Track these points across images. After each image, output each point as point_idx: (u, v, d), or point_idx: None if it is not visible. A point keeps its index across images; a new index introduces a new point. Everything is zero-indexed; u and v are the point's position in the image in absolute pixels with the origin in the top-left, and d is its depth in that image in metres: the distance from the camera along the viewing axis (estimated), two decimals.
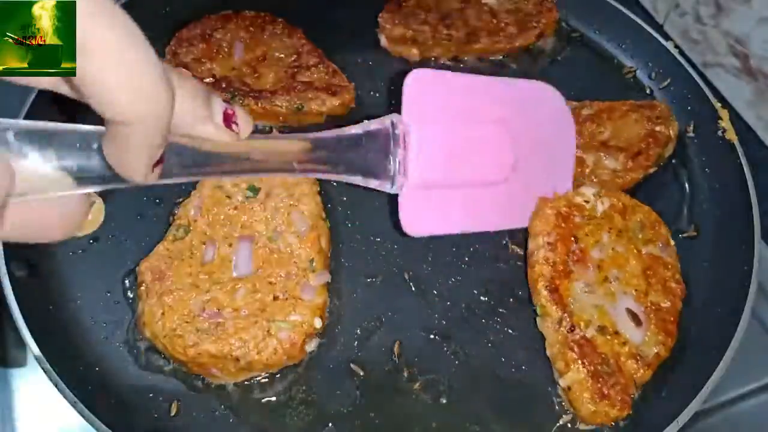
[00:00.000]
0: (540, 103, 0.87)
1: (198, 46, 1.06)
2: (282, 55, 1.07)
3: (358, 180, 0.69)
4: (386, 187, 0.71)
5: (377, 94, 1.08)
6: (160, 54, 1.02)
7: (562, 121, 0.90)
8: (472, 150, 0.79)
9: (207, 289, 0.80)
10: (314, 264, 0.83)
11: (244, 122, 0.51)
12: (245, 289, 0.81)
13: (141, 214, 0.92)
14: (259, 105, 0.99)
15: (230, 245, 0.84)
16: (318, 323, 0.80)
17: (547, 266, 0.85)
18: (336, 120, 1.03)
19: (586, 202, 0.90)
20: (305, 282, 0.82)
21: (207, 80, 1.01)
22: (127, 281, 0.86)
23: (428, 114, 0.74)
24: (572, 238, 0.87)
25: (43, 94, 0.94)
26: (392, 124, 0.70)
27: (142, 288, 0.82)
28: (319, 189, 0.91)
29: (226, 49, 1.06)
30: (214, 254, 0.83)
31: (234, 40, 1.07)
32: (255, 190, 0.88)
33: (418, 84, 0.72)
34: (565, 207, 0.89)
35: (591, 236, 0.88)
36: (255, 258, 0.83)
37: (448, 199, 0.78)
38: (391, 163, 0.70)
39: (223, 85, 1.00)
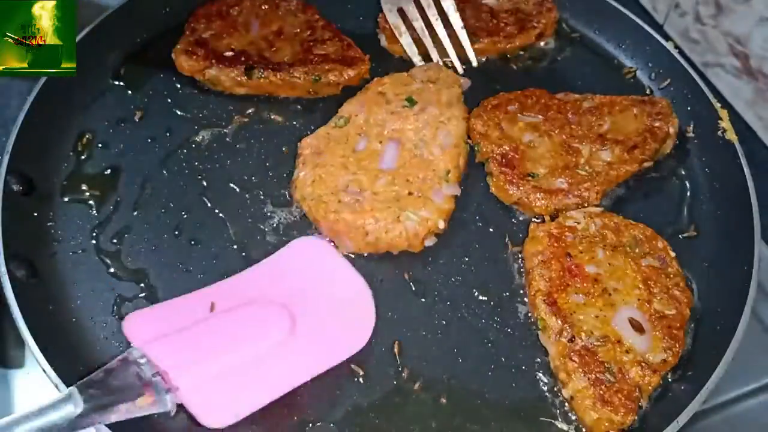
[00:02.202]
0: (307, 259, 0.89)
1: (215, 23, 1.09)
2: (297, 30, 1.10)
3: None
4: (162, 407, 0.73)
5: None
6: (177, 35, 1.04)
7: (336, 266, 0.90)
8: (230, 335, 0.80)
9: (354, 171, 0.93)
10: (449, 175, 0.94)
11: None
12: (386, 180, 0.92)
13: (142, 212, 0.93)
14: (278, 77, 1.03)
15: (380, 142, 0.96)
16: (441, 224, 0.91)
17: (543, 281, 0.86)
18: (351, 90, 1.05)
19: (577, 223, 0.91)
20: (438, 188, 0.92)
21: (227, 54, 1.05)
22: (125, 281, 0.87)
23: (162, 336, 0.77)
24: (566, 255, 0.88)
25: (43, 95, 0.94)
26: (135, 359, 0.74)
27: (300, 158, 0.96)
28: (466, 115, 1.01)
29: (242, 25, 1.10)
30: (365, 146, 0.96)
31: (249, 17, 1.11)
32: (413, 102, 1.00)
33: (134, 326, 0.79)
34: (556, 229, 0.91)
35: (585, 253, 0.89)
36: (399, 158, 0.95)
37: (233, 383, 0.77)
38: (153, 386, 0.73)
39: (243, 58, 1.04)
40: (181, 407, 0.77)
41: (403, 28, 1.08)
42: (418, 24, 1.09)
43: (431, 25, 1.09)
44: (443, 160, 0.95)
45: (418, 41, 1.10)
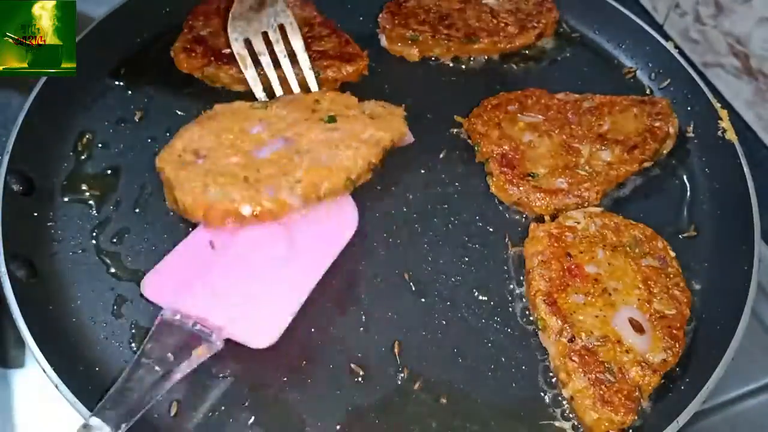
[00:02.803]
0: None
1: (214, 20, 1.09)
2: None
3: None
4: (214, 348, 0.78)
5: (376, 95, 1.07)
6: (177, 29, 1.04)
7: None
8: (241, 262, 0.84)
9: (221, 143, 0.90)
10: (297, 185, 0.86)
11: None
12: (237, 160, 0.89)
13: (142, 212, 0.93)
14: (277, 73, 1.02)
15: (272, 136, 0.92)
16: (246, 210, 0.84)
17: (543, 281, 0.86)
18: (349, 87, 1.05)
19: (577, 223, 0.91)
20: (277, 187, 0.86)
21: (224, 51, 1.04)
22: (124, 282, 0.87)
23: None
24: (566, 255, 0.88)
25: (42, 95, 0.94)
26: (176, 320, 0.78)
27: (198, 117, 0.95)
28: (373, 161, 0.93)
29: None
30: (257, 132, 0.92)
31: None
32: (332, 120, 0.95)
33: (153, 289, 0.82)
34: (556, 229, 0.91)
35: (585, 253, 0.89)
36: (275, 153, 0.90)
37: (262, 302, 0.82)
38: (200, 336, 0.77)
39: None
40: (181, 406, 0.77)
41: (249, 60, 1.02)
42: (264, 59, 1.02)
43: (278, 60, 1.03)
44: (306, 171, 0.88)
45: (263, 75, 1.03)
